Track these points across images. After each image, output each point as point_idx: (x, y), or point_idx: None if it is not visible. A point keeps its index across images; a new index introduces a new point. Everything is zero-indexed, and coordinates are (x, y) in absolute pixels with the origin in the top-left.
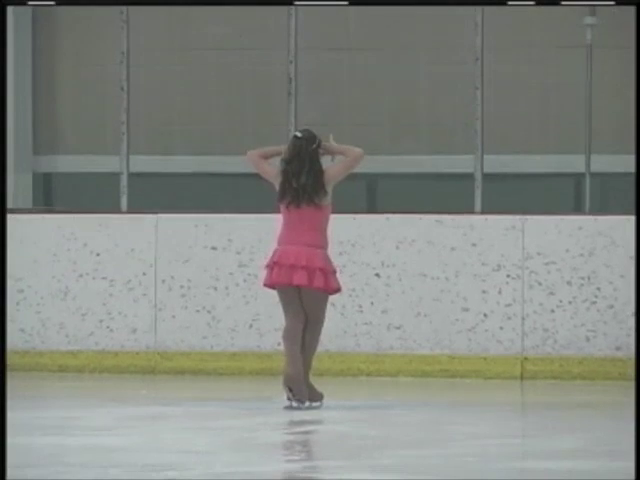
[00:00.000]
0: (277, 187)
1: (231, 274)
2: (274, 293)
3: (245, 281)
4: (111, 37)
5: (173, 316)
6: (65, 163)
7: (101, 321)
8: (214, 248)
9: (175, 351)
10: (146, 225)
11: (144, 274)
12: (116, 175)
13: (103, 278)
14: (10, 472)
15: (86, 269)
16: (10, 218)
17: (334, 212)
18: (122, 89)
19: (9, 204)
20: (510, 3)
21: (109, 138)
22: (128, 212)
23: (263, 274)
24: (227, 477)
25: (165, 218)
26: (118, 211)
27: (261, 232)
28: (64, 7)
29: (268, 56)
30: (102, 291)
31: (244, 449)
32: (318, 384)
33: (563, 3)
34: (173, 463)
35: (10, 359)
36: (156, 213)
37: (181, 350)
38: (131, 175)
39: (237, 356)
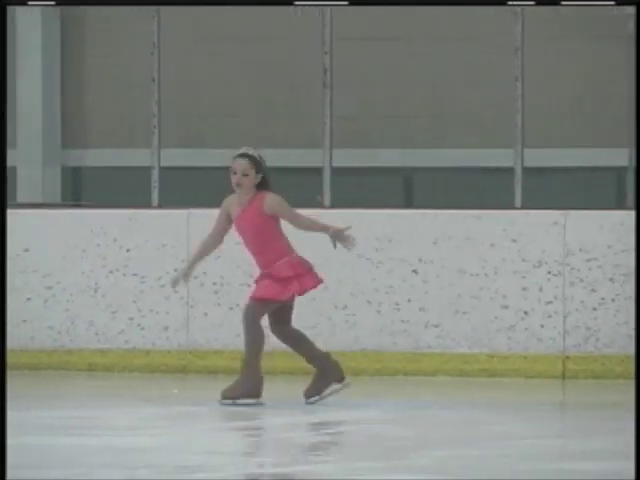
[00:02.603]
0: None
1: None
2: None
3: None
4: (141, 28)
5: (205, 313)
6: (94, 157)
7: (131, 319)
8: None
9: (207, 349)
10: (177, 220)
11: (175, 270)
12: (147, 169)
13: (134, 274)
14: (36, 473)
15: (116, 265)
16: (38, 213)
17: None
18: (153, 80)
19: (38, 199)
20: (510, 3)
21: (139, 131)
22: (159, 207)
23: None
24: (258, 478)
25: (197, 213)
26: (149, 206)
27: (294, 228)
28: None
29: (303, 47)
30: (132, 288)
31: (277, 450)
32: (355, 383)
33: (563, 3)
34: (203, 464)
35: (38, 358)
36: (188, 208)
37: (213, 348)
38: (162, 169)
39: (270, 355)
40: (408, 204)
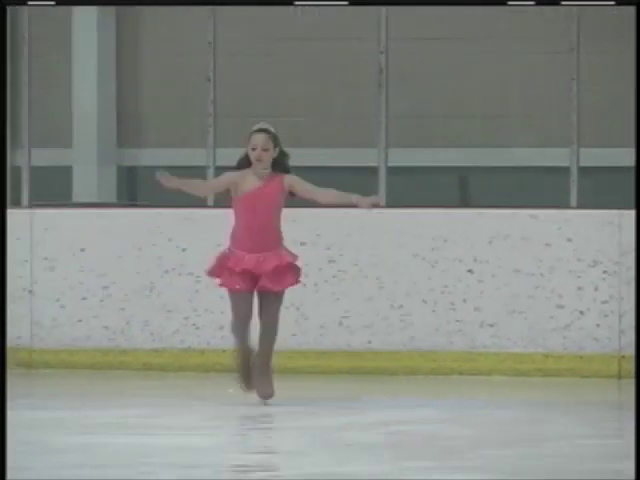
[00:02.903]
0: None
1: (320, 270)
2: (363, 290)
3: (334, 277)
4: (197, 27)
5: None
6: (150, 156)
7: (187, 318)
8: (303, 243)
9: None
10: (232, 220)
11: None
12: (202, 168)
13: (189, 274)
14: (92, 472)
15: (172, 264)
16: (94, 213)
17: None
18: (208, 80)
19: (93, 198)
20: (510, 3)
21: (195, 131)
22: (214, 206)
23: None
24: (315, 478)
25: None
26: (204, 205)
27: (350, 227)
28: None
29: (358, 47)
30: (188, 287)
31: (333, 449)
32: (410, 383)
33: (563, 3)
34: (261, 463)
35: (93, 357)
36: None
37: None
38: (217, 168)
39: (326, 354)
40: (464, 203)
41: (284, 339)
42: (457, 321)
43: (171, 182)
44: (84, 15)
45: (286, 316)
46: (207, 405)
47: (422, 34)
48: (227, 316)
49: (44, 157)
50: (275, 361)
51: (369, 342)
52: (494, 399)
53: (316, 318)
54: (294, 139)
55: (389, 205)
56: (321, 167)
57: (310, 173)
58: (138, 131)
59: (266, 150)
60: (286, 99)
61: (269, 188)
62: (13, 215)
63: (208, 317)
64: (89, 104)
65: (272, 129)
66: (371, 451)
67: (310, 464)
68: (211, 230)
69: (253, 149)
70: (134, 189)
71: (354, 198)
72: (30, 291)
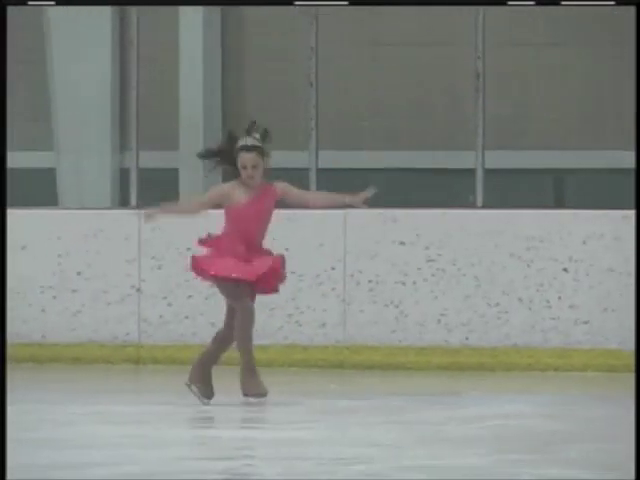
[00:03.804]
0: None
1: (419, 269)
2: (461, 288)
3: (433, 276)
4: (300, 33)
5: (361, 310)
6: None
7: (290, 315)
8: (402, 243)
9: (363, 345)
10: (334, 220)
11: (333, 269)
12: (304, 170)
13: (292, 273)
14: (198, 464)
15: None
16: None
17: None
18: (311, 85)
19: None
20: (510, 3)
21: (297, 134)
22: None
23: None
24: (414, 471)
25: (353, 213)
26: (306, 206)
27: (449, 226)
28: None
29: (456, 52)
30: (291, 286)
31: (431, 443)
32: (507, 378)
33: (563, 3)
34: (360, 456)
35: (198, 352)
36: (344, 208)
37: (369, 344)
38: (319, 170)
39: (425, 350)
40: (559, 205)
41: (384, 336)
42: (552, 318)
43: (154, 217)
44: (190, 20)
45: (385, 314)
46: (310, 399)
47: (519, 40)
48: (329, 314)
49: (151, 159)
50: (376, 357)
51: (467, 339)
52: (588, 394)
53: (415, 315)
54: (393, 142)
55: (486, 206)
56: (419, 169)
57: (408, 175)
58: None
59: (255, 167)
60: (385, 103)
61: (264, 203)
62: (121, 216)
63: (310, 315)
64: (195, 108)
65: (257, 142)
66: (468, 445)
67: (408, 457)
68: (313, 230)
69: (244, 168)
70: None
71: (347, 198)
72: (138, 289)
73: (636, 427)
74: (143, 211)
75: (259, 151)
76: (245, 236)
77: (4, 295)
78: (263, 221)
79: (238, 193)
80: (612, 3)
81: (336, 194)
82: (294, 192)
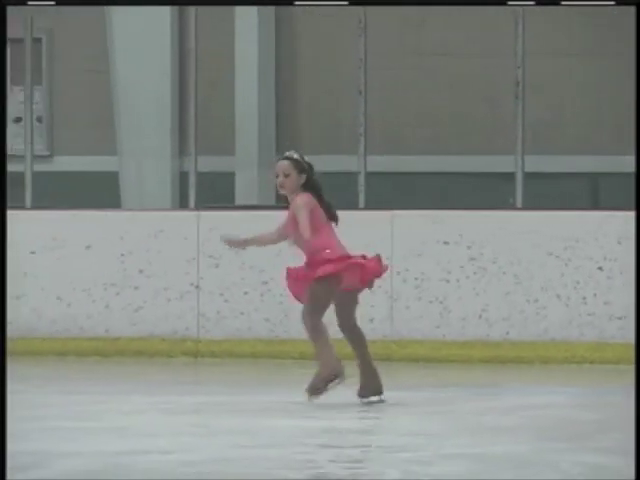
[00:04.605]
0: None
1: (462, 267)
2: (501, 285)
3: (475, 273)
4: (349, 44)
5: (407, 307)
6: None
7: None
8: (446, 243)
9: (409, 340)
10: (382, 221)
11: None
12: (354, 174)
13: None
14: (253, 452)
15: None
16: (255, 214)
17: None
18: (360, 93)
19: (253, 201)
20: (510, 3)
21: (346, 139)
22: (365, 209)
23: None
24: (457, 458)
25: (400, 215)
26: (356, 208)
27: (490, 227)
28: (305, 15)
29: (495, 62)
30: None
31: (473, 432)
32: (546, 371)
33: (563, 3)
34: (406, 444)
35: (254, 347)
36: (391, 210)
37: (415, 339)
38: (368, 174)
39: (467, 344)
40: (594, 206)
41: (429, 331)
42: (588, 314)
43: (237, 244)
44: (246, 30)
45: (430, 310)
46: None
47: (557, 49)
48: (377, 310)
49: (209, 164)
50: (421, 351)
51: (507, 333)
52: (622, 386)
53: (458, 311)
54: (437, 147)
55: (525, 208)
56: (462, 173)
57: (452, 178)
58: (295, 139)
59: (287, 176)
60: (430, 110)
61: (290, 210)
62: (181, 217)
63: (359, 310)
64: (250, 115)
65: (297, 156)
66: (508, 433)
67: (451, 445)
68: (362, 231)
69: (277, 177)
70: None
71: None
72: (197, 286)
73: (636, 427)
74: (223, 237)
75: (294, 162)
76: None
77: (4, 295)
78: (291, 228)
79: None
80: (612, 3)
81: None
82: (296, 214)
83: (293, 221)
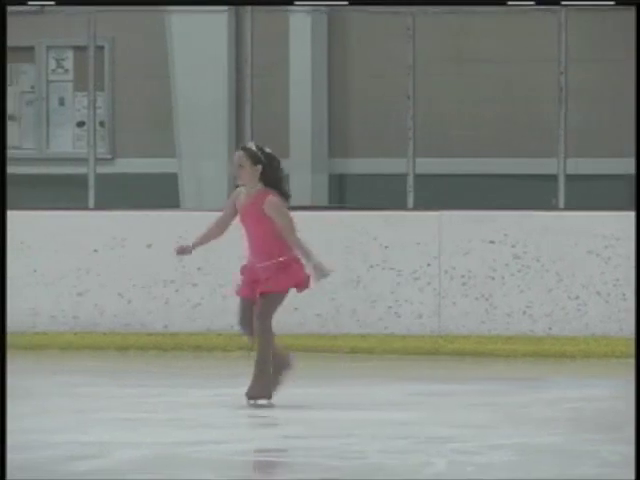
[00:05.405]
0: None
1: (507, 265)
2: (544, 283)
3: (519, 271)
4: (398, 50)
5: (454, 303)
6: (357, 165)
7: (389, 307)
8: (492, 241)
9: (456, 335)
10: (429, 221)
11: (429, 265)
12: (403, 176)
13: (391, 269)
14: (304, 442)
15: (376, 260)
16: (309, 215)
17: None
18: (408, 98)
19: (307, 202)
20: (510, 3)
21: (395, 142)
22: (414, 209)
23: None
24: (502, 448)
25: (447, 215)
26: (405, 208)
27: (534, 227)
28: (357, 22)
29: (537, 67)
30: (390, 280)
31: (517, 423)
32: (587, 365)
33: (563, 3)
34: (453, 436)
35: (305, 342)
36: (439, 210)
37: (462, 334)
38: (416, 176)
39: (512, 339)
40: (633, 206)
41: (475, 326)
42: (627, 310)
43: (186, 249)
44: (300, 37)
45: (476, 306)
46: (408, 384)
47: (600, 56)
48: (425, 306)
49: None
50: (467, 346)
51: (550, 329)
52: None
53: (503, 307)
54: (483, 149)
55: (567, 208)
56: (506, 175)
57: (497, 180)
58: (346, 143)
59: (241, 167)
60: (476, 114)
61: (252, 207)
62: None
63: (408, 307)
64: (304, 120)
65: (253, 147)
66: (551, 425)
67: (496, 436)
68: (411, 230)
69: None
70: (343, 194)
71: (312, 264)
72: None
73: (636, 425)
74: (176, 248)
75: (248, 153)
76: (248, 238)
77: (4, 295)
78: (254, 224)
79: (242, 196)
80: (612, 3)
81: (306, 251)
82: (278, 219)
83: (234, 211)
